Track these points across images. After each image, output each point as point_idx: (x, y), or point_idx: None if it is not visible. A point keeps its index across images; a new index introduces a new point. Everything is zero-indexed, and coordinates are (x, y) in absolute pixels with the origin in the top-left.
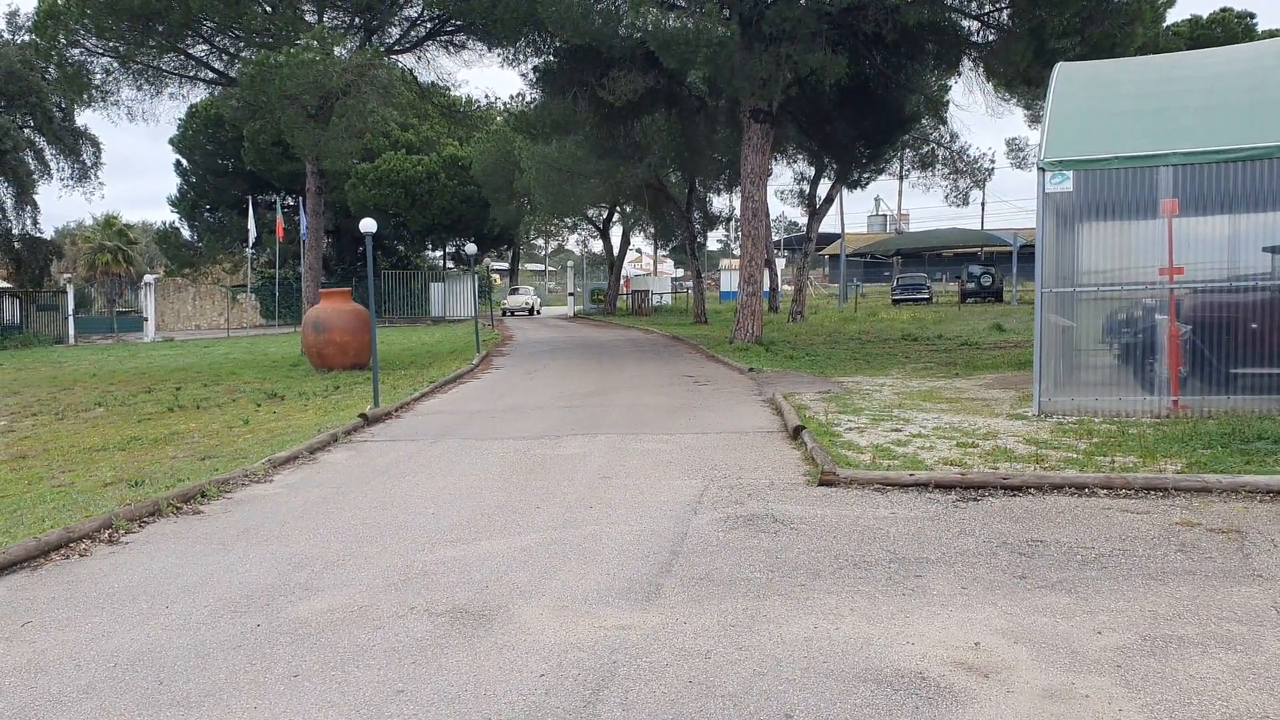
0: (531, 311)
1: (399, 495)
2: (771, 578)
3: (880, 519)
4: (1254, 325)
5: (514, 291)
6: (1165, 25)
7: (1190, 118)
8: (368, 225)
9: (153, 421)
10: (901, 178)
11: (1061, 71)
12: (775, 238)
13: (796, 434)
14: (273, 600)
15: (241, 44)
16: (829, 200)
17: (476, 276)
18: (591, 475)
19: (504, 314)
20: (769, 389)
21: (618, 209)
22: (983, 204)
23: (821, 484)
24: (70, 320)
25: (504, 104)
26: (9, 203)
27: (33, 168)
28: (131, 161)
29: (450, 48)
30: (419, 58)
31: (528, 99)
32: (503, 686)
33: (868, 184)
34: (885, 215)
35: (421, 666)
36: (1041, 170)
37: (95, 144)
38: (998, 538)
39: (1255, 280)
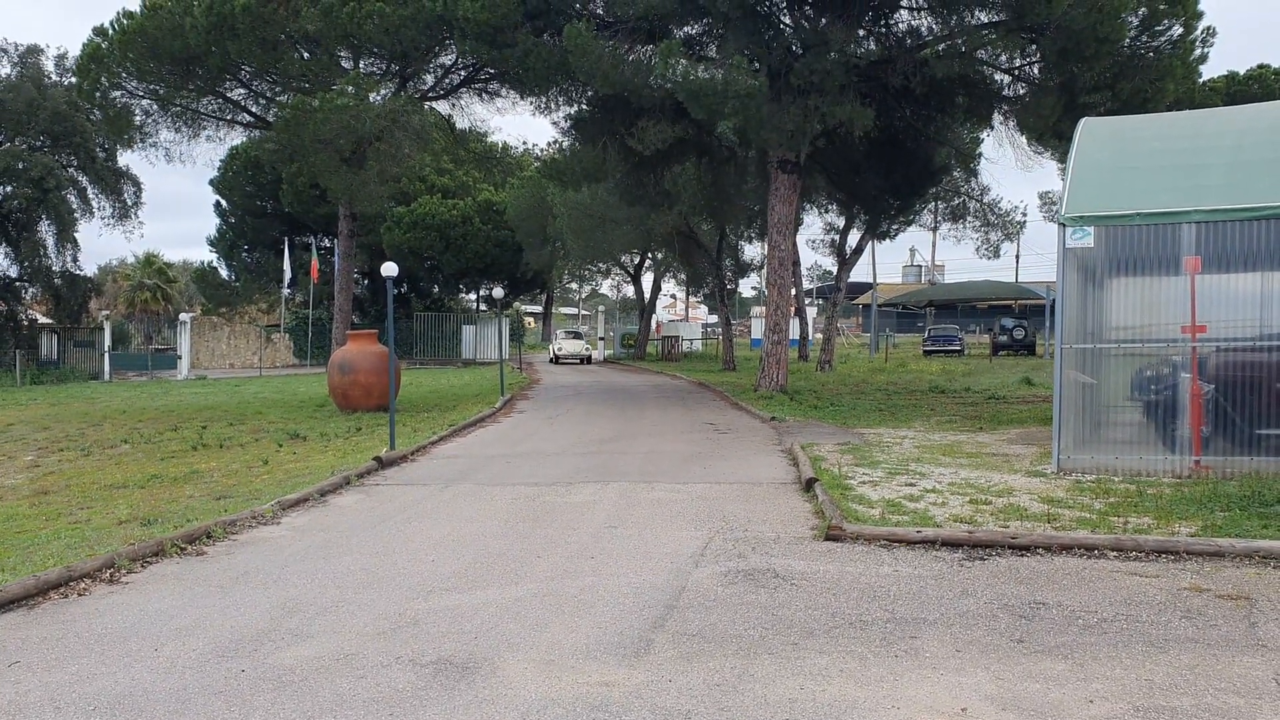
0: (584, 360)
1: (402, 541)
2: (764, 635)
3: (882, 577)
4: (1279, 385)
5: (566, 335)
6: (1201, 81)
7: (1215, 175)
8: (389, 269)
9: (175, 460)
10: (934, 229)
11: (1085, 127)
12: (807, 286)
13: (809, 486)
14: (261, 646)
15: (278, 88)
16: (859, 250)
17: (507, 320)
18: (598, 524)
19: (553, 361)
20: (789, 439)
21: (649, 255)
22: (1017, 256)
23: (828, 538)
24: (106, 357)
25: (538, 150)
26: (50, 240)
27: (75, 206)
28: (174, 201)
29: (484, 95)
30: (453, 105)
31: (560, 146)
32: None
33: (897, 235)
34: (919, 266)
35: (399, 719)
36: (1062, 225)
37: (136, 183)
38: (1000, 599)
39: None
